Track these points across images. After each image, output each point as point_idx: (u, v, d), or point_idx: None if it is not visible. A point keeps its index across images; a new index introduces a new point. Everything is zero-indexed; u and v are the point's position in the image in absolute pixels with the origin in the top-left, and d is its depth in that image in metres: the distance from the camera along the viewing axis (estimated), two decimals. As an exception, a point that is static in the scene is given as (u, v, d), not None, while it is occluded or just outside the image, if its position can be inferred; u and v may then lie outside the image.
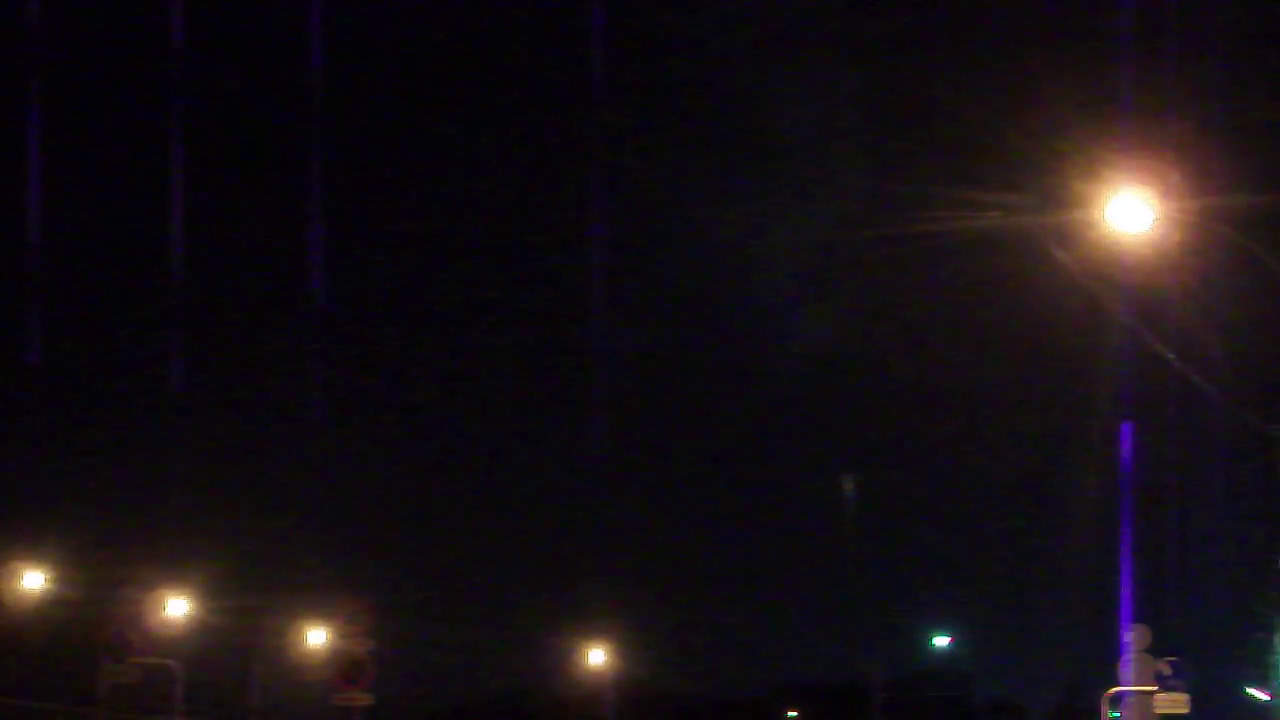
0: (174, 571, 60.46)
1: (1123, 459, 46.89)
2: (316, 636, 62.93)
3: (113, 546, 59.68)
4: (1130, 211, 26.94)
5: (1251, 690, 48.06)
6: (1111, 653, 41.09)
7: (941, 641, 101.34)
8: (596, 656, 74.56)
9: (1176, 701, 39.98)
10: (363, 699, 59.88)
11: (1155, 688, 39.67)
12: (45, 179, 62.85)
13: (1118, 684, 40.71)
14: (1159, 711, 39.78)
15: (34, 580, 55.79)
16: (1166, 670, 39.84)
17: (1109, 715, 41.64)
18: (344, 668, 58.68)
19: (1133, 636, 40.15)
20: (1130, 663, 39.90)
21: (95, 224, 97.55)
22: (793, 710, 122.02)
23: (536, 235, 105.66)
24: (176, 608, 60.23)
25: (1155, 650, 40.07)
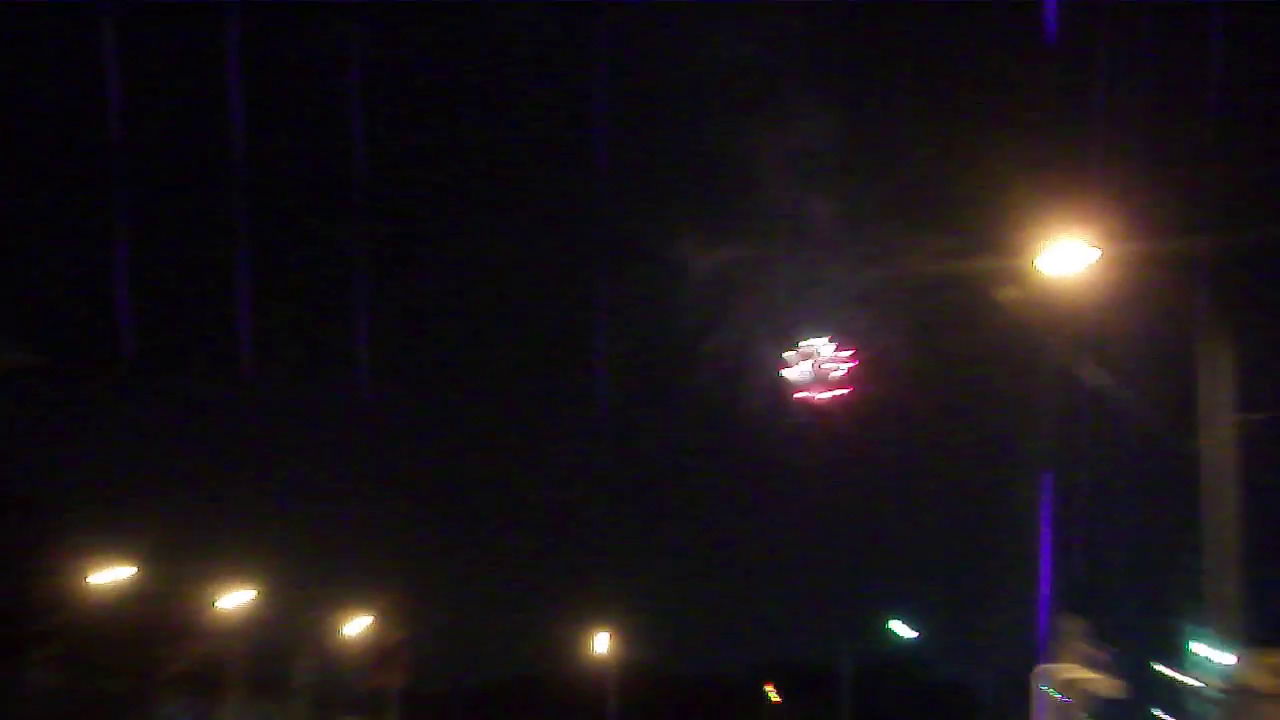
0: (233, 569, 60.54)
1: (1043, 503, 47.02)
2: (357, 625, 63.09)
3: (179, 547, 59.76)
4: (1067, 256, 27.12)
5: (1161, 667, 48.23)
6: (1046, 638, 41.19)
7: (902, 628, 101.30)
8: (602, 642, 74.64)
9: (1107, 683, 40.07)
10: (396, 680, 60.14)
11: (1087, 669, 39.75)
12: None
13: (1052, 665, 40.78)
14: (1089, 690, 39.84)
15: (113, 575, 55.83)
16: (1097, 654, 39.89)
17: (1041, 691, 41.65)
18: (380, 652, 58.89)
19: (1066, 624, 40.19)
20: (1062, 646, 39.96)
21: (163, 216, 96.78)
22: (771, 687, 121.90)
23: (551, 253, 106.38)
24: (235, 600, 60.39)
25: (1086, 636, 40.14)
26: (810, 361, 47.96)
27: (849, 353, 48.68)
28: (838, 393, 47.84)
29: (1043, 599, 42.74)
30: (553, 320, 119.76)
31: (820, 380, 48.86)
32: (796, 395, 48.86)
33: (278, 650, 67.50)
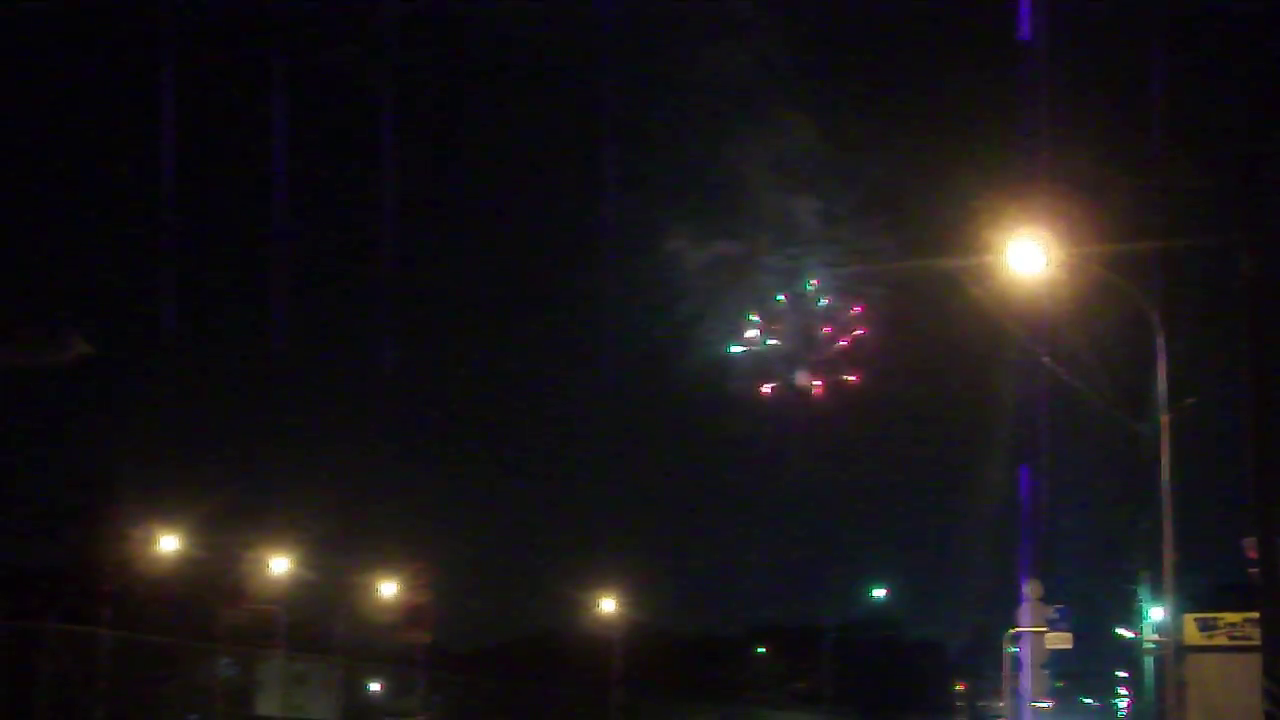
0: (277, 537, 60.94)
1: (1021, 490, 47.35)
2: (388, 588, 63.46)
3: (230, 518, 60.23)
4: (1027, 257, 27.56)
5: (1120, 630, 48.71)
6: (1012, 601, 41.75)
7: (879, 593, 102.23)
8: (608, 604, 75.07)
9: (1063, 639, 40.58)
10: (423, 637, 60.71)
11: (1046, 628, 40.33)
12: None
13: (1017, 625, 41.31)
14: (1049, 646, 40.42)
15: (170, 544, 56.23)
16: (1054, 615, 40.35)
17: (1009, 649, 42.32)
18: (409, 612, 59.43)
19: (1029, 588, 40.71)
20: (1027, 609, 40.46)
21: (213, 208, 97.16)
22: (761, 647, 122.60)
23: (564, 256, 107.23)
24: (279, 565, 60.72)
25: (1046, 599, 40.66)
26: (778, 327, 47.30)
27: (857, 310, 47.83)
28: (841, 378, 47.58)
29: (1014, 566, 43.29)
30: (560, 307, 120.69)
31: (813, 362, 48.67)
32: (765, 386, 48.59)
33: (316, 609, 68.16)
